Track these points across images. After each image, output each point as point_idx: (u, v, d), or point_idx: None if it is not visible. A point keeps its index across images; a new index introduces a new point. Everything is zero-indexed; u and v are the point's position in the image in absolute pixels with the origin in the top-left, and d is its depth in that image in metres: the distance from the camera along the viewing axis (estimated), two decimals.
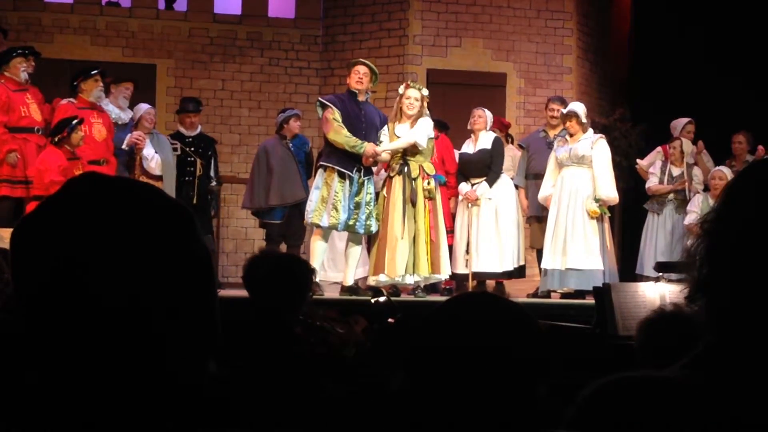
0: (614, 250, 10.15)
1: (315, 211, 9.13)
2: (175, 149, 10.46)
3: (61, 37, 12.78)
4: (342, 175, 9.11)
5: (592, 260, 9.57)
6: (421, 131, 9.19)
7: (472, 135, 10.31)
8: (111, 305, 1.19)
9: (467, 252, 10.01)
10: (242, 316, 4.28)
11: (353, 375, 3.94)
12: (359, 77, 9.28)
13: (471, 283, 10.05)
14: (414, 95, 9.28)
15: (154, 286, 1.21)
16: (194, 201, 10.32)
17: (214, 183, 10.78)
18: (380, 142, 9.23)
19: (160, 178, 9.92)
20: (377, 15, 13.19)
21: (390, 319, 5.39)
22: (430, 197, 9.22)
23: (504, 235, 10.00)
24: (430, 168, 9.27)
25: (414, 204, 9.14)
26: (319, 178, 9.24)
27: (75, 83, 9.72)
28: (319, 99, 9.61)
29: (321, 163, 9.34)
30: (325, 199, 9.10)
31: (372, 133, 9.23)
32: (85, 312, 1.19)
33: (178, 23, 13.23)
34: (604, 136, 10.13)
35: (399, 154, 9.21)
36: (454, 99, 12.16)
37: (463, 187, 10.13)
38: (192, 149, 10.53)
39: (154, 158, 10.00)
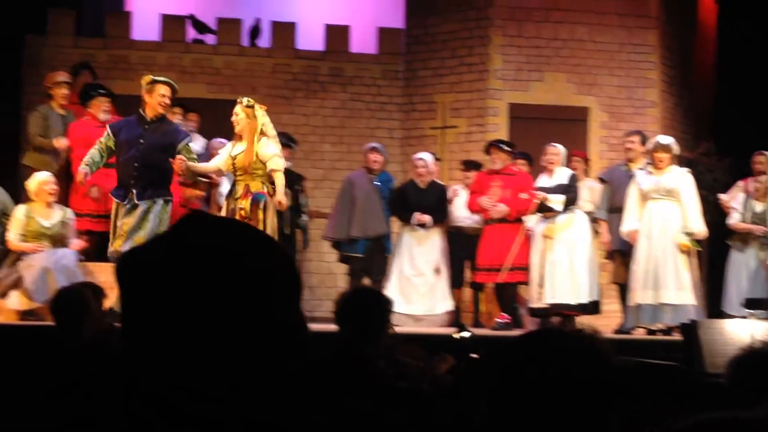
0: (700, 285, 10.00)
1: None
2: None
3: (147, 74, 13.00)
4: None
5: (684, 295, 9.44)
6: (268, 153, 8.67)
7: (547, 170, 10.25)
8: (207, 343, 1.21)
9: (540, 285, 9.92)
10: (325, 350, 4.30)
11: (435, 409, 3.93)
12: (162, 102, 8.81)
13: (553, 318, 9.96)
14: (237, 110, 8.77)
15: (250, 325, 1.22)
16: (287, 231, 10.42)
17: (305, 218, 10.85)
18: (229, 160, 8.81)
19: None
20: (458, 50, 13.21)
21: (472, 354, 5.37)
22: (245, 217, 8.51)
23: (578, 268, 9.89)
24: (256, 187, 8.66)
25: None
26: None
27: None
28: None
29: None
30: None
31: (155, 152, 8.68)
32: (181, 347, 1.21)
33: (261, 59, 13.40)
34: (689, 169, 10.03)
35: (237, 175, 8.79)
36: (535, 133, 12.10)
37: (533, 221, 10.09)
38: None
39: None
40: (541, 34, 13.09)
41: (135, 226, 8.57)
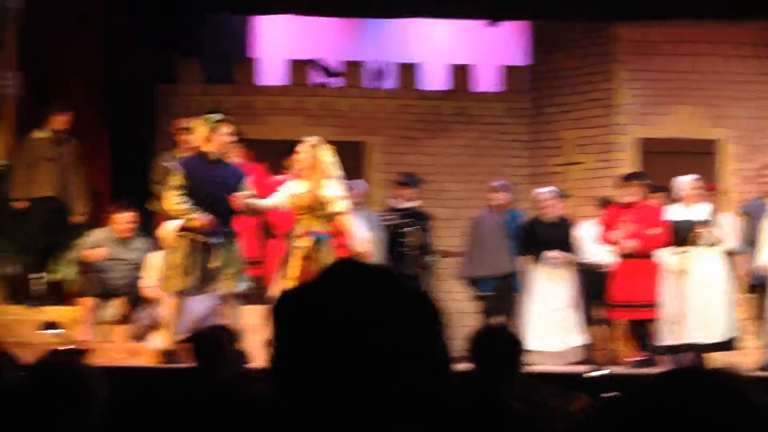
0: None
1: (170, 279, 8.54)
2: (386, 220, 10.67)
3: (273, 118, 13.23)
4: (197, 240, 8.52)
5: None
6: (330, 194, 8.53)
7: (682, 202, 10.10)
8: (359, 385, 1.23)
9: (674, 322, 9.74)
10: (459, 390, 4.30)
11: None
12: (228, 140, 8.64)
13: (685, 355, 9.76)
14: (301, 149, 8.66)
15: (400, 369, 1.24)
16: (412, 271, 10.44)
17: (431, 257, 10.87)
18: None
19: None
20: (581, 86, 13.13)
21: (605, 394, 5.29)
22: (305, 256, 8.41)
23: (714, 304, 9.68)
24: (317, 226, 8.52)
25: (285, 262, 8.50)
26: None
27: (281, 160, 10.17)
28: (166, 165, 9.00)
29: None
30: (178, 264, 8.54)
31: (230, 190, 8.52)
32: (334, 390, 1.23)
33: (386, 101, 13.51)
34: None
35: (298, 215, 8.62)
36: (663, 167, 11.90)
37: (666, 255, 9.92)
38: (406, 221, 10.70)
39: (362, 236, 10.14)
40: (667, 67, 12.92)
41: (238, 266, 8.56)
